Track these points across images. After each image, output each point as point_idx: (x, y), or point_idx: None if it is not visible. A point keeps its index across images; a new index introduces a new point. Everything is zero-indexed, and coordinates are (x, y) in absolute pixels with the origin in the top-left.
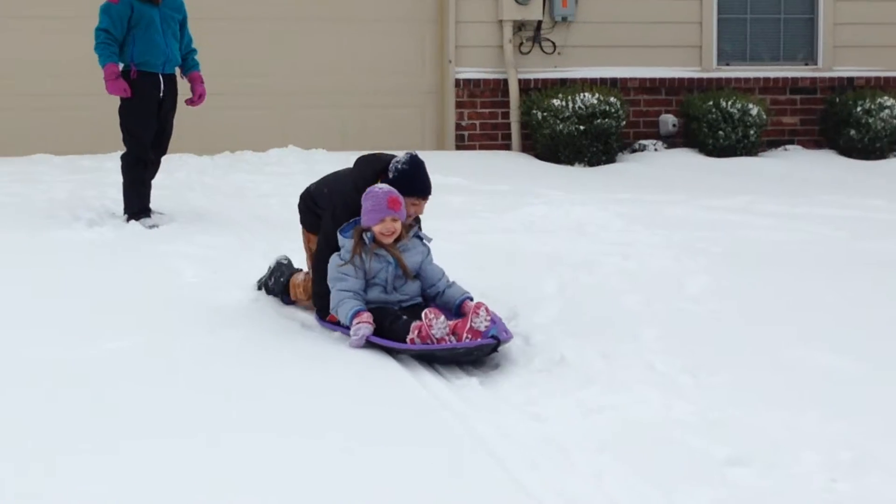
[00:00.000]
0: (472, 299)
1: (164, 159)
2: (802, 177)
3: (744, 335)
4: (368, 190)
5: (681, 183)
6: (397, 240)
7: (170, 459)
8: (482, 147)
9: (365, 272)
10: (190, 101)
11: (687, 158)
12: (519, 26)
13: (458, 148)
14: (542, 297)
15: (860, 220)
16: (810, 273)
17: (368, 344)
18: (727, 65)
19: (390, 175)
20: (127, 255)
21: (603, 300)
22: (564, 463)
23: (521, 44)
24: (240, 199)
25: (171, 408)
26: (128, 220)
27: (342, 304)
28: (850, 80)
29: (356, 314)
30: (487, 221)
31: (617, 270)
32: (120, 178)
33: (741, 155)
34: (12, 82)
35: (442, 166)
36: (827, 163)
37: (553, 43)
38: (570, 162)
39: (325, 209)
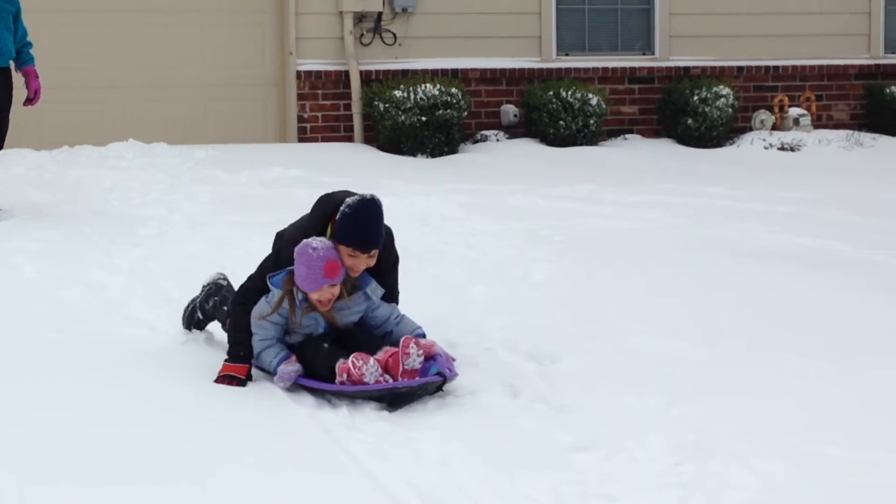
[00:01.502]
0: (424, 336)
1: (1, 154)
2: (642, 165)
3: (587, 322)
4: (301, 250)
5: (523, 173)
6: (339, 297)
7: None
8: (325, 139)
9: (288, 322)
10: (27, 102)
11: (528, 148)
12: (359, 17)
13: (301, 140)
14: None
15: (699, 206)
16: (652, 260)
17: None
18: (566, 55)
19: (338, 216)
20: None
21: (448, 290)
22: (412, 452)
23: (362, 35)
24: (80, 193)
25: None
26: None
27: (264, 353)
28: (687, 69)
29: (283, 361)
30: None
31: (461, 260)
32: None
33: (582, 144)
34: None
35: (284, 158)
36: (665, 151)
37: (394, 34)
38: (413, 153)
39: (273, 249)
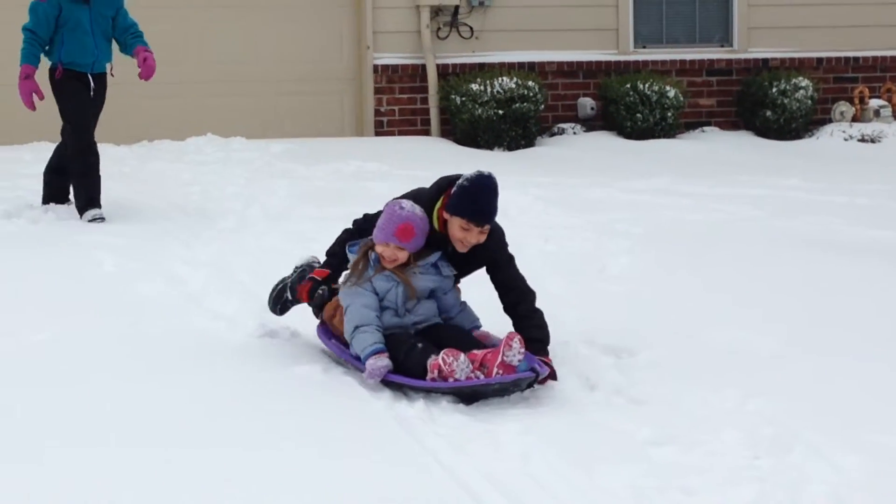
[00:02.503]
0: (479, 327)
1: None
2: (720, 158)
3: (664, 316)
4: (391, 203)
5: (600, 166)
6: (406, 264)
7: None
8: (401, 133)
9: (375, 290)
10: (142, 74)
11: (605, 141)
12: (436, 11)
13: (378, 134)
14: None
15: (778, 199)
16: (729, 253)
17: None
18: (644, 47)
19: (454, 190)
20: (45, 247)
21: None
22: (492, 445)
23: (439, 29)
24: (159, 187)
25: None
26: (80, 214)
27: (360, 333)
28: (766, 61)
29: (374, 354)
30: None
31: (538, 253)
32: (39, 169)
33: (659, 137)
34: None
35: (361, 152)
36: (744, 144)
37: (470, 28)
38: (490, 146)
39: None
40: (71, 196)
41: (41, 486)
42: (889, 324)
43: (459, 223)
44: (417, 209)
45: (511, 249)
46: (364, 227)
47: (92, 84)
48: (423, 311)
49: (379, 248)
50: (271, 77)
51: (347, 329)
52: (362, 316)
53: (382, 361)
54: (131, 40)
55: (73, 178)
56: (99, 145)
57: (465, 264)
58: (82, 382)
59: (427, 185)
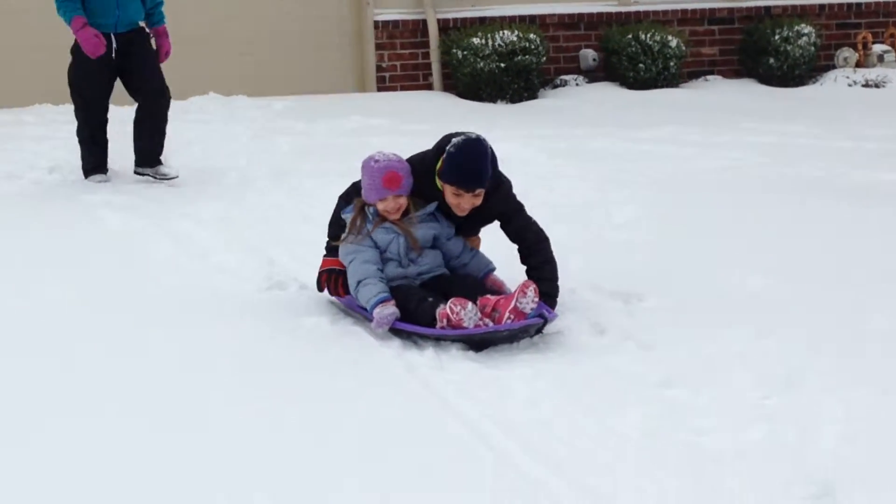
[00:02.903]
0: (494, 270)
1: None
2: (723, 106)
3: (671, 261)
4: (364, 162)
5: (603, 116)
6: (406, 213)
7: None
8: (404, 88)
9: (375, 244)
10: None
11: (608, 92)
12: None
13: (380, 90)
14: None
15: (783, 145)
16: (735, 199)
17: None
18: None
19: (443, 156)
20: (49, 206)
21: None
22: (501, 391)
23: None
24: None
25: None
26: (85, 177)
27: (364, 286)
28: (768, 8)
29: (380, 303)
30: None
31: (543, 203)
32: (41, 132)
33: (662, 87)
34: None
35: (363, 108)
36: (747, 91)
37: None
38: (493, 99)
39: None
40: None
41: (65, 445)
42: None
43: (451, 190)
44: (390, 154)
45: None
46: (354, 193)
47: (115, 45)
48: (427, 260)
49: (381, 207)
50: (272, 34)
51: (351, 285)
52: (364, 271)
53: (389, 309)
54: (157, 16)
55: (79, 144)
56: None
57: (473, 219)
58: (92, 340)
59: (429, 140)
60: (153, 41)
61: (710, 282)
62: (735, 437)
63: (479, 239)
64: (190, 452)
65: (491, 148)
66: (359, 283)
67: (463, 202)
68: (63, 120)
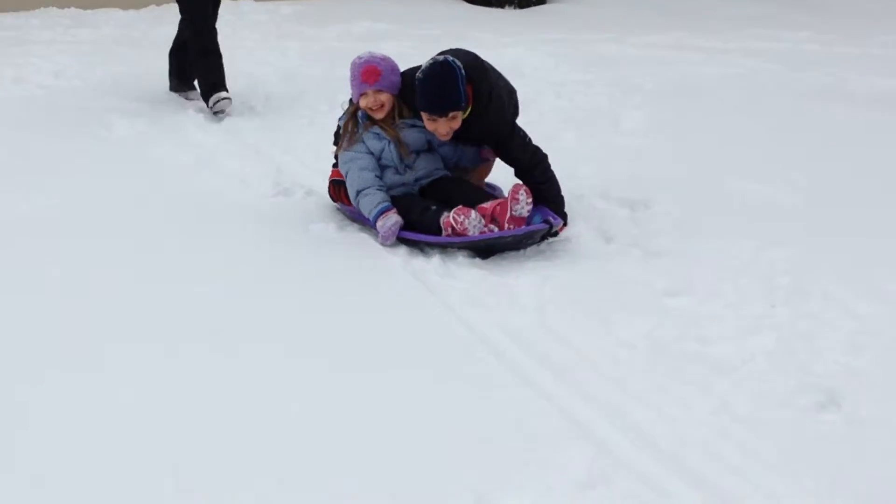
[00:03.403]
0: (489, 158)
1: (89, 14)
2: (732, 13)
3: (678, 169)
4: (352, 62)
5: (612, 22)
6: (392, 120)
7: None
8: None
9: (370, 150)
10: None
11: None
12: None
13: None
14: None
15: (790, 52)
16: (743, 106)
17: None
18: None
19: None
20: (55, 111)
21: (539, 138)
22: (509, 298)
23: None
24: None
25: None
26: (206, 101)
27: (364, 196)
28: None
29: (382, 213)
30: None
31: (551, 109)
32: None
33: None
34: None
35: (371, 13)
36: None
37: None
38: (500, 4)
39: None
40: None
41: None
42: None
43: (425, 116)
44: (376, 53)
45: (523, 108)
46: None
47: None
48: (423, 164)
49: (362, 104)
50: None
51: (351, 195)
52: (362, 179)
53: (391, 220)
54: None
55: (193, 65)
56: (107, 10)
57: (467, 137)
58: (95, 247)
59: (437, 45)
60: None
61: (717, 190)
62: (741, 347)
63: (488, 169)
64: (210, 361)
65: (460, 67)
66: (358, 192)
67: (439, 127)
68: (67, 24)
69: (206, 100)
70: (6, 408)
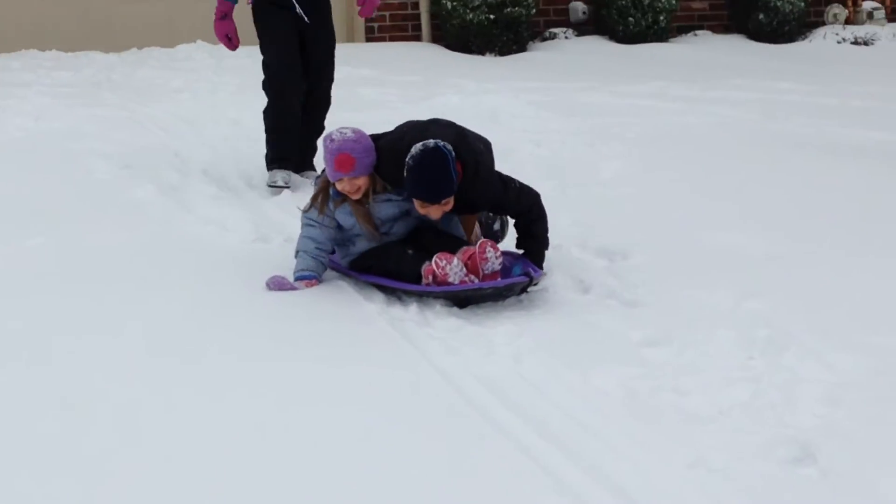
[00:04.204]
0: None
1: (70, 57)
2: (713, 62)
3: (657, 219)
4: (324, 138)
5: (592, 70)
6: (373, 192)
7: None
8: (392, 39)
9: (338, 224)
10: (363, 10)
11: (597, 46)
12: None
13: (369, 40)
14: None
15: (771, 102)
16: (723, 156)
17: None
18: None
19: (405, 170)
20: (36, 153)
21: None
22: (486, 347)
23: None
24: (149, 95)
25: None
26: (269, 169)
27: (301, 257)
28: None
29: (303, 280)
30: (400, 112)
31: (531, 157)
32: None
33: (651, 41)
34: None
35: (352, 58)
36: (736, 47)
37: None
38: (481, 52)
39: None
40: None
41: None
42: (881, 225)
43: (417, 203)
44: (348, 132)
45: (502, 157)
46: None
47: (298, 7)
48: (399, 230)
49: (339, 187)
50: None
51: (295, 251)
52: (303, 244)
53: (300, 287)
54: None
55: (265, 129)
56: (88, 53)
57: (459, 207)
58: (74, 292)
59: (417, 91)
60: None
61: (695, 240)
62: (717, 398)
63: (474, 217)
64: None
65: (450, 151)
66: (296, 252)
67: (431, 212)
68: (49, 66)
69: (268, 169)
70: None
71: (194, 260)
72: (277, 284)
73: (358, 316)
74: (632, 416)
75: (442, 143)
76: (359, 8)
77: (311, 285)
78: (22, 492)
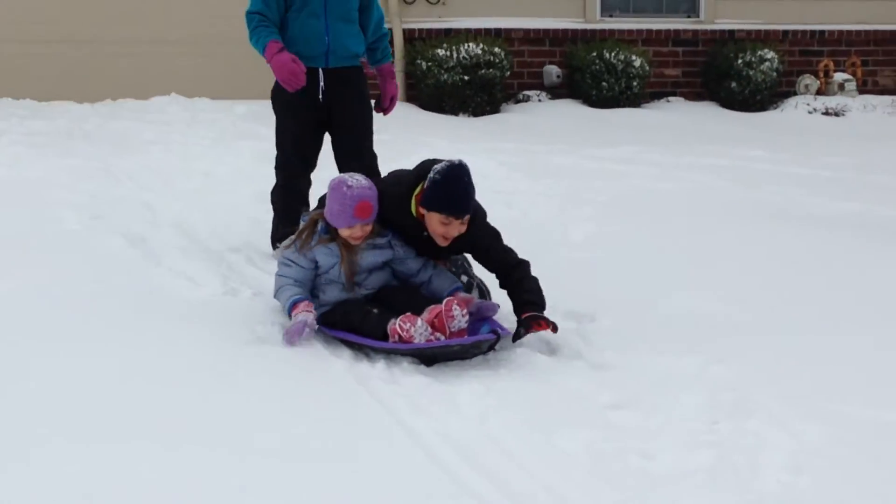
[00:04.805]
0: (460, 289)
1: (44, 106)
2: (685, 128)
3: (626, 283)
4: (335, 184)
5: (565, 133)
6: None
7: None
8: None
9: (316, 264)
10: (380, 109)
11: (571, 109)
12: None
13: None
14: None
15: (742, 170)
16: (693, 222)
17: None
18: (610, 16)
19: (426, 184)
20: (4, 204)
21: None
22: (452, 406)
23: None
24: (122, 146)
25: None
26: (273, 248)
27: (282, 290)
28: (732, 32)
29: (294, 305)
30: None
31: (501, 219)
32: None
33: (624, 106)
34: None
35: None
36: (709, 114)
37: None
38: (455, 112)
39: None
40: None
41: None
42: (849, 295)
43: (438, 218)
44: (362, 179)
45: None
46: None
47: (322, 82)
48: (373, 282)
49: (346, 234)
50: (236, 38)
51: (274, 293)
52: (280, 281)
53: (300, 317)
54: (382, 51)
55: (272, 206)
56: (62, 103)
57: (448, 248)
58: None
59: (390, 150)
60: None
61: (664, 305)
62: (683, 462)
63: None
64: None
65: None
66: (277, 289)
67: (450, 230)
68: (22, 115)
69: (274, 247)
70: None
71: (162, 313)
72: (290, 334)
73: (325, 373)
74: (596, 478)
75: (464, 161)
76: (385, 106)
77: (309, 307)
78: None
